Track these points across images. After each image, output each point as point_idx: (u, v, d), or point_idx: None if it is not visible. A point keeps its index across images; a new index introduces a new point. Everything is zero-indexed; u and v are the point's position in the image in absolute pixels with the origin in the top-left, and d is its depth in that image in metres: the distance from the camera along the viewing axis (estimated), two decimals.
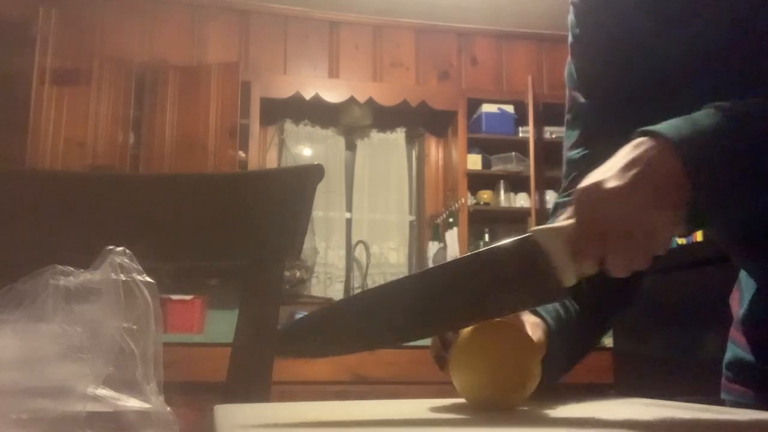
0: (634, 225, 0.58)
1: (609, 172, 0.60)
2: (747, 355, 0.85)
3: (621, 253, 0.59)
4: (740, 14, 0.76)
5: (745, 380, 0.86)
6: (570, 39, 0.93)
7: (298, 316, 3.68)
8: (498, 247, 0.64)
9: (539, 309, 0.76)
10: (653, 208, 0.58)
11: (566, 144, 0.93)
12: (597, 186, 0.60)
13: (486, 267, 0.62)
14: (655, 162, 0.60)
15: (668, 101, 0.81)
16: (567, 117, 0.94)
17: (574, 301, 0.80)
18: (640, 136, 0.63)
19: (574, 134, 0.92)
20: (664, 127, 0.62)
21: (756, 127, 0.63)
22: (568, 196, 0.90)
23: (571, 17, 0.93)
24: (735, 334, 0.89)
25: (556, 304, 0.78)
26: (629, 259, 0.59)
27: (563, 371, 0.82)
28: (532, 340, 0.65)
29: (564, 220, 0.62)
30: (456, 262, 0.64)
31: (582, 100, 0.90)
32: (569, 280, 0.62)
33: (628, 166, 0.60)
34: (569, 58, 0.94)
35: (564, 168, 0.93)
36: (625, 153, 0.61)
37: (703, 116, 0.64)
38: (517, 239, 0.62)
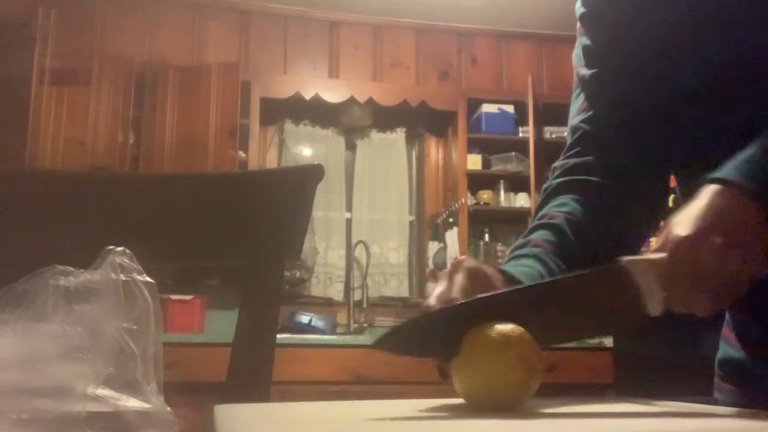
0: (726, 276, 0.63)
1: (702, 223, 0.64)
2: (737, 353, 0.85)
3: (709, 299, 0.64)
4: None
5: (734, 379, 0.86)
6: (578, 24, 0.97)
7: (300, 316, 3.68)
8: (589, 272, 0.67)
9: (521, 277, 0.77)
10: (744, 261, 0.64)
11: (572, 114, 0.96)
12: (695, 238, 0.64)
13: (576, 290, 0.66)
14: (744, 216, 0.65)
15: (668, 69, 0.84)
16: (573, 93, 0.97)
17: (561, 261, 0.82)
18: (716, 183, 0.67)
19: (578, 102, 0.95)
20: (738, 176, 0.66)
21: None
22: (568, 158, 0.93)
23: (578, 4, 0.97)
24: (726, 331, 0.89)
25: (538, 267, 0.80)
26: (715, 302, 0.64)
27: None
28: (533, 338, 0.65)
29: (655, 253, 0.66)
30: (549, 283, 0.68)
31: (586, 71, 0.94)
32: (656, 310, 0.65)
33: (718, 218, 0.65)
34: (577, 41, 0.97)
35: (568, 135, 0.96)
36: (712, 202, 0.66)
37: (765, 155, 0.68)
38: (608, 266, 0.66)
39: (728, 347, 0.88)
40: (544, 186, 0.93)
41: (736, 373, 0.86)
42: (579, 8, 0.97)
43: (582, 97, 0.95)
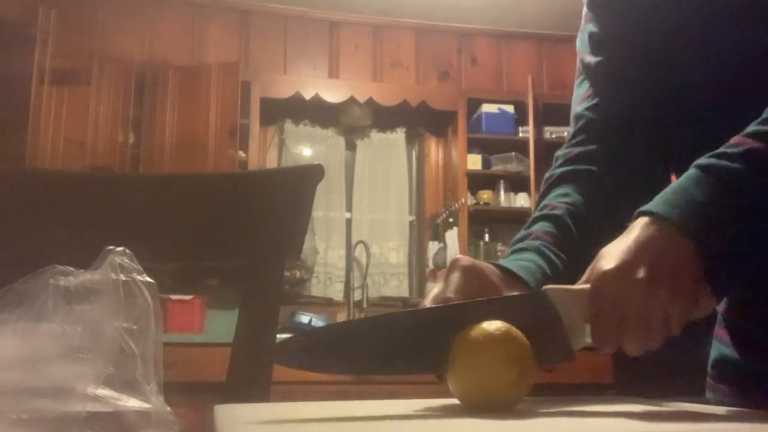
0: (653, 314, 0.60)
1: (627, 256, 0.62)
2: (731, 353, 0.85)
3: (637, 336, 0.61)
4: None
5: (728, 379, 0.85)
6: (584, 10, 0.96)
7: (300, 316, 3.68)
8: (511, 298, 0.66)
9: (519, 271, 0.75)
10: (671, 298, 0.60)
11: (575, 102, 0.95)
12: (618, 273, 0.61)
13: (496, 316, 0.62)
14: (672, 252, 0.62)
15: (677, 61, 0.83)
16: (576, 81, 0.96)
17: (562, 253, 0.81)
18: (645, 215, 0.64)
19: (583, 89, 0.94)
20: (667, 208, 0.63)
21: (748, 188, 0.64)
22: (571, 147, 0.92)
23: None
24: (719, 331, 0.88)
25: (538, 260, 0.79)
26: (644, 341, 0.61)
27: None
28: (521, 334, 0.65)
29: (581, 285, 0.64)
30: (466, 306, 0.64)
31: (592, 58, 0.93)
32: (578, 344, 0.63)
33: (645, 253, 0.61)
34: (583, 26, 0.96)
35: (571, 123, 0.94)
36: (639, 236, 0.63)
37: (694, 185, 0.65)
38: (531, 294, 0.64)
39: (722, 346, 0.87)
40: (546, 175, 0.92)
41: (730, 374, 0.85)
42: None
43: (586, 84, 0.94)
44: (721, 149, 0.66)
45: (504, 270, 0.76)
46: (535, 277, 0.76)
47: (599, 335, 0.62)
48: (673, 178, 0.93)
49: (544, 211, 0.85)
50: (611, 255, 0.63)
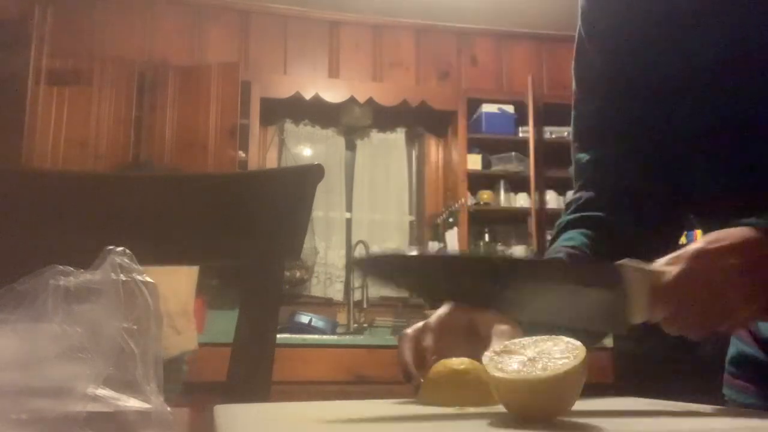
0: (730, 301, 0.62)
1: (724, 243, 0.64)
2: (751, 350, 0.86)
3: (697, 315, 0.63)
4: (741, 27, 0.77)
5: (747, 375, 0.86)
6: (577, 38, 0.95)
7: (300, 316, 3.68)
8: (583, 264, 0.68)
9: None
10: (752, 291, 0.62)
11: (573, 140, 0.95)
12: (714, 254, 0.63)
13: (564, 276, 0.64)
14: (765, 244, 0.64)
15: (671, 106, 0.83)
16: (573, 112, 0.95)
17: None
18: (754, 227, 0.66)
19: (579, 132, 0.94)
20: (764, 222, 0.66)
21: None
22: (580, 191, 0.92)
23: (579, 18, 0.95)
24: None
25: None
26: (698, 324, 0.63)
27: None
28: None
29: (661, 266, 0.65)
30: (541, 261, 0.66)
31: (591, 105, 0.92)
32: (636, 318, 0.64)
33: (741, 245, 0.64)
34: (577, 46, 0.95)
35: (573, 168, 0.95)
36: (739, 232, 0.65)
37: None
38: (605, 264, 0.66)
39: (742, 344, 0.88)
40: (558, 221, 0.93)
41: (751, 371, 0.86)
42: (580, 26, 0.94)
43: (583, 123, 0.94)
44: None
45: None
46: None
47: (662, 295, 0.63)
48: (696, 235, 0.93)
49: (548, 258, 0.87)
50: (709, 239, 0.65)
